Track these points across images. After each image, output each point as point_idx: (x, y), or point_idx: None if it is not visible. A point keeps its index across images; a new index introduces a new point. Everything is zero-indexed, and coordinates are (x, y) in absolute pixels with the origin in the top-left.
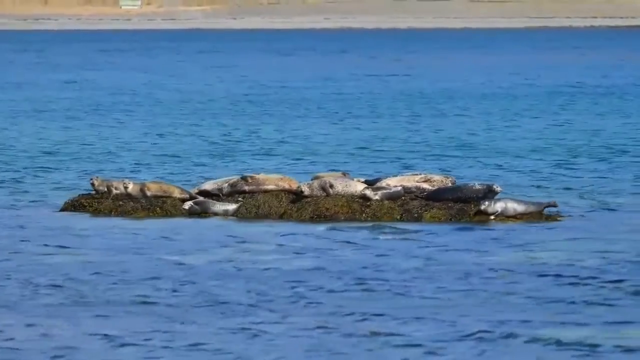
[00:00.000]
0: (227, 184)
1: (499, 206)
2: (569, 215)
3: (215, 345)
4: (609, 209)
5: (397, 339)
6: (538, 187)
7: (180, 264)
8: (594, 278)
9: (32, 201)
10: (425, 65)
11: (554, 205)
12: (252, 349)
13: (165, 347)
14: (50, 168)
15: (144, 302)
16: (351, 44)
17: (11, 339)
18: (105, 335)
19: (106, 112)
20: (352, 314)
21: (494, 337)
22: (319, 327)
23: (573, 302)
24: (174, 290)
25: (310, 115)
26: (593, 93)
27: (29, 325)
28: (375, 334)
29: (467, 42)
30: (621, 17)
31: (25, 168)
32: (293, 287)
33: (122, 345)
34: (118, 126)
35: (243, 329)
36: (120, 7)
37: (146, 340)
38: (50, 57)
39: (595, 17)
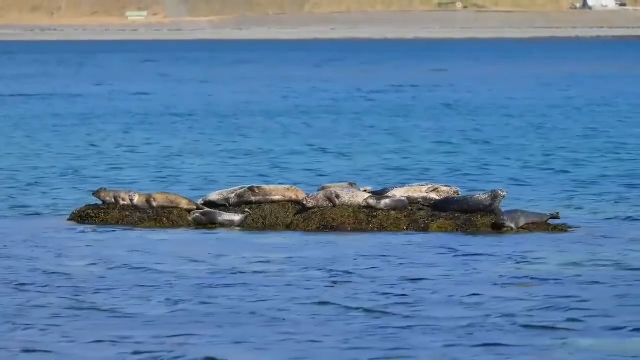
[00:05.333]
0: (233, 194)
1: (506, 217)
2: (577, 227)
3: (223, 357)
4: (617, 220)
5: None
6: (544, 198)
7: (185, 273)
8: (605, 286)
9: (39, 212)
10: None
11: (556, 217)
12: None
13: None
14: (57, 179)
15: (149, 312)
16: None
17: (23, 348)
18: (114, 343)
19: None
20: (358, 322)
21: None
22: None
23: (587, 312)
24: (178, 300)
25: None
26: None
27: (39, 333)
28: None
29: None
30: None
31: (33, 178)
32: (296, 296)
33: (134, 353)
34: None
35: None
36: (127, 18)
37: (154, 351)
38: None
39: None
